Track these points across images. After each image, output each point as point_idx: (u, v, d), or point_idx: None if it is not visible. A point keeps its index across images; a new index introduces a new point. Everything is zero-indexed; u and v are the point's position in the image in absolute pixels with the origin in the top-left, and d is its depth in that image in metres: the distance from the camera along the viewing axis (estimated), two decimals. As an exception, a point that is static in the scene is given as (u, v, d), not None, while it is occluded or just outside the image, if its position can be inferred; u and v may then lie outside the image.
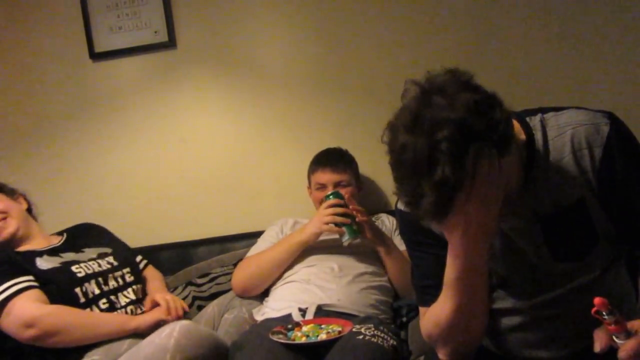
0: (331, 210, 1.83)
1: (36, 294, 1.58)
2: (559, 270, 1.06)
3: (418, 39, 2.23)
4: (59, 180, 2.42)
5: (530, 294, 1.10)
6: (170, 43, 2.33)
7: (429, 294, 1.10)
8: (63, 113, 2.41)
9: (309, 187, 2.09)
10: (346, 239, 1.81)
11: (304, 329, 1.55)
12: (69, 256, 1.77)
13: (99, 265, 1.77)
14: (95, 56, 2.37)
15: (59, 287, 1.64)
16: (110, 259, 1.82)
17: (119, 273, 1.79)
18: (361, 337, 1.47)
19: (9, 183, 2.43)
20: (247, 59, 2.34)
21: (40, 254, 1.73)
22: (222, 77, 2.36)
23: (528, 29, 2.17)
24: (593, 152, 0.99)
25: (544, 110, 1.07)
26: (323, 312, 1.69)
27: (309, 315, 1.66)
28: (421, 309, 1.16)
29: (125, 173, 2.41)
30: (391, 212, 2.10)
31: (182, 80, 2.36)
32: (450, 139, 0.85)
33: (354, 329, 1.52)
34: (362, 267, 1.85)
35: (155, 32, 2.34)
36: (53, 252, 1.77)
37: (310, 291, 1.77)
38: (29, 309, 1.53)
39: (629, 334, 0.85)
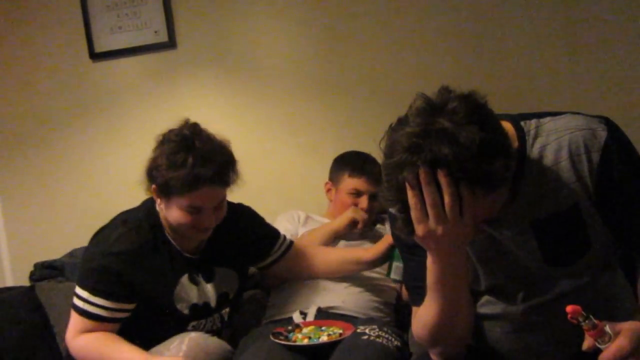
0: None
1: (92, 326, 1.49)
2: (551, 275, 1.07)
3: (420, 40, 2.23)
4: (59, 180, 2.42)
5: (521, 298, 1.10)
6: (170, 43, 2.33)
7: (420, 294, 1.12)
8: (63, 113, 2.41)
9: (333, 186, 2.04)
10: (391, 275, 1.73)
11: (305, 330, 1.55)
12: (201, 286, 1.61)
13: (213, 323, 1.63)
14: (95, 56, 2.37)
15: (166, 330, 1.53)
16: (226, 303, 1.66)
17: (217, 316, 1.66)
18: (366, 337, 1.48)
19: (9, 183, 2.44)
20: (247, 59, 2.34)
21: (185, 268, 1.59)
22: (222, 77, 2.36)
23: (529, 32, 2.16)
24: (591, 157, 1.00)
25: (540, 115, 1.07)
26: (326, 314, 1.69)
27: (310, 318, 1.66)
28: (413, 309, 1.19)
29: (126, 173, 2.40)
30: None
31: (182, 81, 2.37)
32: (443, 166, 0.89)
33: (358, 330, 1.52)
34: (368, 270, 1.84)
35: (155, 32, 2.34)
36: (192, 271, 1.60)
37: (314, 293, 1.77)
38: (70, 335, 1.51)
39: (610, 338, 0.86)
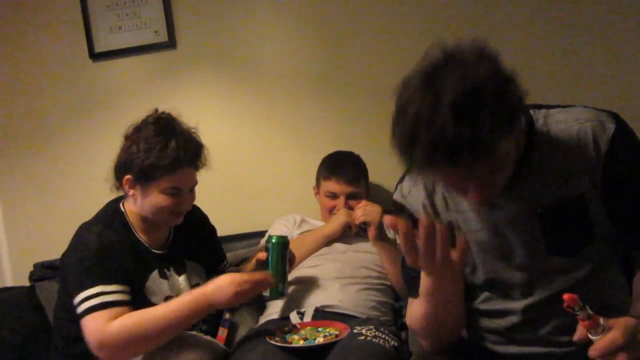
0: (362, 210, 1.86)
1: (120, 312, 1.41)
2: (551, 267, 1.08)
3: (419, 38, 2.22)
4: (59, 179, 2.42)
5: (521, 294, 1.11)
6: (170, 43, 2.33)
7: (416, 286, 1.13)
8: (63, 113, 2.41)
9: (317, 190, 2.07)
10: (266, 295, 1.65)
11: (301, 332, 1.55)
12: (172, 280, 1.61)
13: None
14: (95, 56, 2.37)
15: None
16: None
17: None
18: (362, 337, 1.47)
19: (9, 183, 2.45)
20: (247, 58, 2.34)
21: (155, 264, 1.59)
22: (222, 77, 2.36)
23: (527, 27, 2.16)
24: (599, 148, 1.02)
25: (550, 106, 1.10)
26: (323, 314, 1.69)
27: (307, 318, 1.65)
28: (409, 300, 1.21)
29: (126, 173, 2.41)
30: (395, 213, 2.09)
31: (182, 81, 2.36)
32: (459, 97, 0.84)
33: (355, 330, 1.51)
34: (365, 269, 1.84)
35: (155, 32, 2.34)
36: (162, 264, 1.61)
37: (311, 293, 1.76)
38: (101, 329, 1.38)
39: (603, 330, 0.86)
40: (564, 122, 1.05)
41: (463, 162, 0.85)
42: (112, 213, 1.61)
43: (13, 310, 2.00)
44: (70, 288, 1.47)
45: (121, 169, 1.56)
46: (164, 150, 1.49)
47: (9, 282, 2.41)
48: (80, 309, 1.42)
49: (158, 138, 1.51)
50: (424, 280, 1.04)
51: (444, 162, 0.86)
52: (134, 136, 1.56)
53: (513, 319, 1.13)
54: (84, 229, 1.55)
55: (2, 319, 1.92)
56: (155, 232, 1.63)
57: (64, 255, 1.56)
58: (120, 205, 1.63)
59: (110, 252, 1.48)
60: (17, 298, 2.06)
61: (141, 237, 1.61)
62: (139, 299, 1.52)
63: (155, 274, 1.59)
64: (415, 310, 1.13)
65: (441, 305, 1.06)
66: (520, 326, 1.13)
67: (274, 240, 1.63)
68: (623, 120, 1.05)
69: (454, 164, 0.85)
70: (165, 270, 1.61)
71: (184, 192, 1.57)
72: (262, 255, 1.66)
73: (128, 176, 1.55)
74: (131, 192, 1.57)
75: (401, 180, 1.22)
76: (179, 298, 1.45)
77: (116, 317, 1.40)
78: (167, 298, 1.58)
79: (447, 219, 1.15)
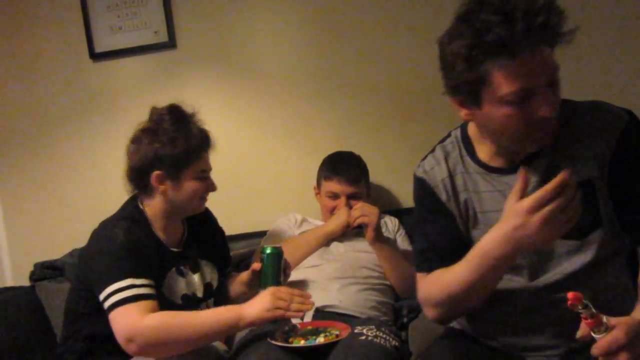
0: (359, 211, 1.85)
1: (151, 306, 1.40)
2: (558, 249, 1.10)
3: (419, 39, 2.22)
4: (59, 179, 2.43)
5: (528, 276, 1.13)
6: (170, 43, 2.34)
7: (429, 260, 1.17)
8: (63, 113, 2.41)
9: (317, 190, 2.08)
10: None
11: (302, 331, 1.55)
12: (188, 278, 1.62)
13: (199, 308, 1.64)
14: (95, 56, 2.38)
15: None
16: (211, 294, 1.69)
17: (205, 307, 1.66)
18: (363, 337, 1.47)
19: (9, 183, 2.45)
20: (247, 58, 2.34)
21: (173, 262, 1.59)
22: (222, 77, 2.37)
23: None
24: (610, 137, 1.06)
25: (569, 100, 1.14)
26: (324, 314, 1.69)
27: (307, 318, 1.66)
28: (419, 274, 1.22)
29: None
30: (394, 213, 2.10)
31: (182, 81, 2.37)
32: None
33: (355, 330, 1.51)
34: (365, 269, 1.85)
35: (155, 32, 2.34)
36: (178, 263, 1.61)
37: (312, 293, 1.75)
38: (133, 321, 1.36)
39: (606, 329, 0.86)
40: (580, 111, 1.10)
41: (540, 22, 0.95)
42: (133, 210, 1.60)
43: (13, 310, 2.00)
44: (95, 282, 1.45)
45: (146, 167, 1.54)
46: (189, 137, 1.54)
47: (9, 282, 2.41)
48: (109, 302, 1.39)
49: (177, 126, 1.54)
50: (498, 245, 1.01)
51: (521, 21, 0.95)
52: (151, 133, 1.55)
53: (523, 304, 1.14)
54: (109, 224, 1.54)
55: (2, 319, 1.92)
56: (171, 230, 1.63)
57: (85, 250, 1.54)
58: (139, 203, 1.62)
59: (137, 248, 1.48)
60: (17, 298, 2.06)
61: (160, 235, 1.60)
62: (158, 297, 1.51)
63: (173, 271, 1.59)
64: (448, 280, 1.11)
65: (491, 270, 1.04)
66: (527, 314, 1.14)
67: (268, 251, 1.61)
68: (637, 117, 1.09)
69: (533, 20, 0.95)
70: (182, 268, 1.62)
71: (209, 174, 1.63)
72: (256, 265, 1.64)
73: (157, 172, 1.53)
74: (161, 187, 1.55)
75: (424, 159, 1.28)
76: (213, 308, 1.47)
77: (147, 310, 1.38)
78: (184, 296, 1.58)
79: (464, 198, 1.19)
